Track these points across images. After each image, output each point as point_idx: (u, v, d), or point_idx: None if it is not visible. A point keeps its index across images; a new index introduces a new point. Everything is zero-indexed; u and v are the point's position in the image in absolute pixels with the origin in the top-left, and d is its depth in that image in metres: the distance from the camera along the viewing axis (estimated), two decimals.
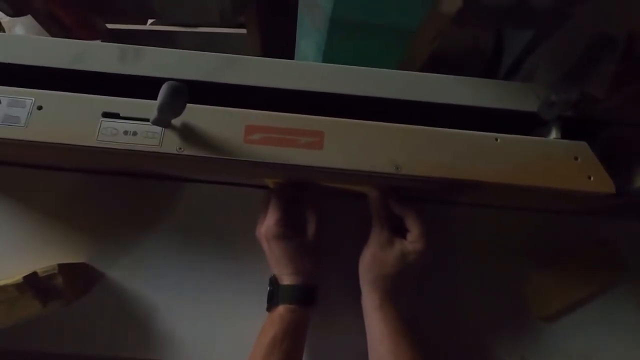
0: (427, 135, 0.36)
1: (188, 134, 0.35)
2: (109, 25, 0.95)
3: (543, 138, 0.37)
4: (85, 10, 0.81)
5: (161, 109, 0.30)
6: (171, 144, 0.34)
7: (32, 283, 0.35)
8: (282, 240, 0.40)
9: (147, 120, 0.35)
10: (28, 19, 0.76)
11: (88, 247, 0.43)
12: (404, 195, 0.45)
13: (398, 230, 0.41)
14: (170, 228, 0.44)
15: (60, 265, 0.37)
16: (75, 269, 0.41)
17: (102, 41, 0.40)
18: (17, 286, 0.35)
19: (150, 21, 1.04)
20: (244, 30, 0.86)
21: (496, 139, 0.36)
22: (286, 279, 0.40)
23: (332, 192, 0.44)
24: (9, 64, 0.36)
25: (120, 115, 0.35)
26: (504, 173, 0.35)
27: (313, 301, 0.41)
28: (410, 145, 0.36)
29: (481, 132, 0.36)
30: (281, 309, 0.39)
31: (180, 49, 0.98)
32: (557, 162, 0.36)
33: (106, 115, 0.35)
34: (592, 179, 0.35)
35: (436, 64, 0.54)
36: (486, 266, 0.46)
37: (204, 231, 0.45)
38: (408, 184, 0.38)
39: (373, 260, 0.40)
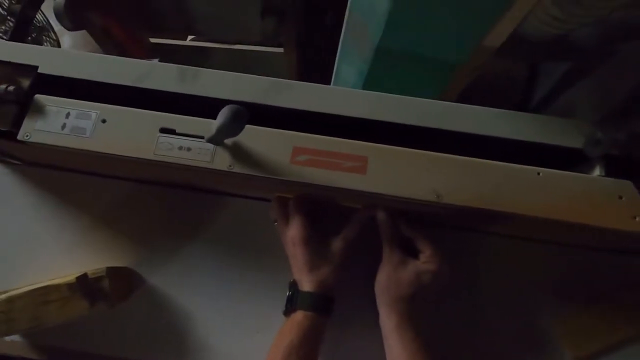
0: (468, 165, 0.37)
1: (238, 152, 0.36)
2: (152, 40, 1.01)
3: (586, 175, 0.37)
4: (136, 27, 0.86)
5: (220, 129, 0.32)
6: (222, 161, 0.36)
7: (83, 284, 0.37)
8: (308, 245, 0.41)
9: (202, 137, 0.37)
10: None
11: (132, 253, 0.45)
12: (430, 220, 0.45)
13: (410, 252, 0.42)
14: (210, 240, 0.46)
15: (108, 269, 0.39)
16: (120, 272, 0.43)
17: (160, 61, 0.43)
18: (70, 286, 0.37)
19: (190, 37, 1.09)
20: (281, 49, 0.89)
21: (538, 173, 0.37)
22: (306, 286, 0.40)
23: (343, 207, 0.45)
24: (78, 79, 0.39)
25: (177, 131, 0.37)
26: (545, 207, 0.36)
27: (330, 311, 0.41)
28: (452, 174, 0.36)
29: (523, 166, 0.37)
30: (299, 315, 0.39)
31: (214, 65, 1.02)
32: (600, 200, 0.36)
33: (163, 130, 0.37)
34: (637, 219, 0.35)
35: (469, 92, 0.55)
36: (511, 298, 0.45)
37: (243, 244, 0.46)
38: (445, 211, 0.38)
39: (388, 282, 0.40)
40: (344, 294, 0.43)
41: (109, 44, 0.83)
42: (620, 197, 0.36)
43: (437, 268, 0.40)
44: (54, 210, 0.46)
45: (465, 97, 0.54)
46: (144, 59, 0.90)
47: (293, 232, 0.41)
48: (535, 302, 0.45)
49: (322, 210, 0.45)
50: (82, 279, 0.37)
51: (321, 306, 0.40)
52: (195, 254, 0.45)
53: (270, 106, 0.38)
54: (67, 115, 0.38)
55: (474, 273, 0.47)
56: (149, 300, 0.44)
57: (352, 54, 0.50)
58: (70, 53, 0.40)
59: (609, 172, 0.37)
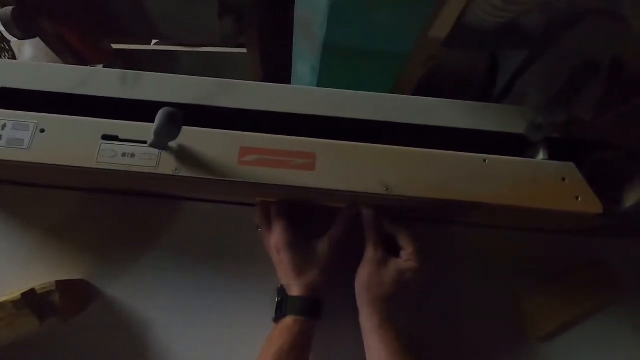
0: (416, 156, 0.37)
1: (184, 155, 0.36)
2: (115, 46, 0.98)
3: (531, 159, 0.38)
4: (92, 32, 0.84)
5: (157, 133, 0.31)
6: (168, 165, 0.35)
7: (30, 300, 0.36)
8: (293, 249, 0.40)
9: (145, 142, 0.36)
10: (36, 40, 0.79)
11: (86, 264, 0.43)
12: (401, 214, 0.45)
13: (392, 249, 0.42)
14: (167, 246, 0.45)
15: (58, 282, 0.38)
16: (73, 285, 0.41)
17: (105, 65, 0.42)
18: (15, 303, 0.35)
19: (154, 41, 1.07)
20: (244, 50, 0.88)
21: (484, 160, 0.37)
22: (295, 290, 0.40)
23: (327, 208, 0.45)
24: (14, 89, 0.38)
25: (119, 137, 0.36)
26: (492, 194, 0.36)
27: (320, 314, 0.41)
28: (401, 166, 0.36)
29: (470, 154, 0.37)
30: (289, 320, 0.39)
31: (183, 67, 1.00)
32: (545, 183, 0.37)
33: (106, 137, 0.36)
34: (579, 199, 0.36)
35: (430, 85, 0.56)
36: (482, 285, 0.46)
37: (201, 249, 0.45)
38: (401, 204, 0.39)
39: (369, 281, 0.40)
40: (334, 295, 0.43)
41: (65, 51, 0.81)
42: (564, 179, 0.37)
43: (419, 266, 0.40)
44: (1, 226, 0.44)
45: (425, 89, 0.55)
46: (104, 65, 0.88)
47: (277, 238, 0.41)
48: (495, 287, 0.46)
49: (307, 213, 0.44)
50: (29, 294, 0.36)
51: (311, 310, 0.40)
52: (151, 262, 0.44)
53: (216, 107, 0.38)
54: (3, 126, 0.36)
55: (445, 262, 0.47)
56: (106, 312, 0.42)
57: (304, 51, 0.50)
58: (4, 63, 0.39)
59: (553, 156, 0.38)
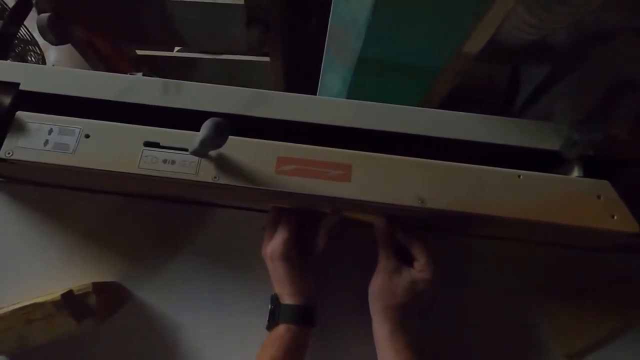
0: (451, 170, 0.37)
1: (223, 164, 0.37)
2: (139, 52, 1.01)
3: (565, 176, 0.38)
4: (119, 39, 0.86)
5: (203, 143, 0.32)
6: (207, 173, 0.36)
7: (69, 301, 0.37)
8: (287, 261, 0.41)
9: (186, 150, 0.37)
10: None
11: (120, 267, 0.44)
12: (419, 225, 0.46)
13: (404, 260, 0.42)
14: (198, 251, 0.46)
15: (94, 284, 0.39)
16: (107, 287, 0.42)
17: (144, 74, 0.43)
18: (55, 303, 0.36)
19: (177, 48, 1.09)
20: (267, 59, 0.90)
21: (519, 176, 0.37)
22: (287, 299, 0.40)
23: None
24: (61, 95, 0.39)
25: (161, 144, 0.37)
26: (526, 209, 0.36)
27: (313, 322, 0.41)
28: (435, 179, 0.37)
29: (504, 169, 0.37)
30: (281, 328, 0.39)
31: (203, 74, 1.02)
32: (579, 200, 0.37)
33: (147, 144, 0.37)
34: (615, 217, 0.36)
35: (452, 97, 0.56)
36: (502, 299, 0.46)
37: (231, 255, 0.46)
38: (432, 216, 0.39)
39: (382, 290, 0.40)
40: (347, 303, 0.43)
41: (94, 57, 0.83)
42: (599, 197, 0.37)
43: (431, 277, 0.40)
44: (40, 227, 0.45)
45: (449, 102, 0.55)
46: (130, 71, 0.90)
47: (273, 248, 0.41)
48: (521, 302, 0.46)
49: (314, 220, 0.45)
50: (68, 295, 0.37)
51: (303, 318, 0.40)
52: (183, 267, 0.45)
53: (254, 117, 0.39)
54: (50, 131, 0.37)
55: (465, 274, 0.47)
56: (137, 314, 0.43)
57: (335, 63, 0.51)
58: (51, 69, 0.40)
59: (587, 173, 0.38)
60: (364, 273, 0.42)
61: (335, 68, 0.51)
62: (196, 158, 0.37)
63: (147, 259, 0.45)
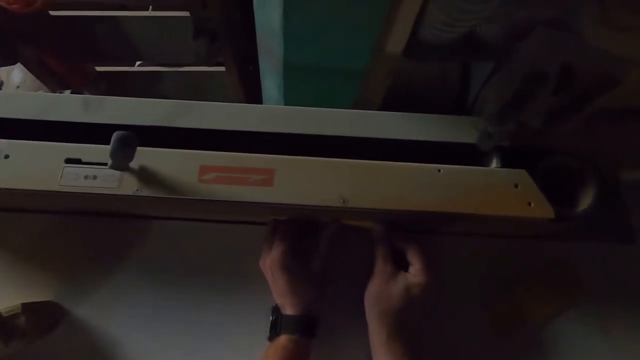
0: (372, 169, 0.38)
1: (145, 175, 0.37)
2: (99, 68, 1.00)
3: (484, 167, 0.39)
4: (74, 57, 0.86)
5: (113, 156, 0.32)
6: (129, 186, 0.36)
7: None
8: (287, 272, 0.40)
9: (106, 164, 0.37)
10: None
11: (55, 286, 0.44)
12: (420, 229, 0.46)
13: (401, 264, 0.42)
14: (136, 266, 0.46)
15: (24, 305, 0.38)
16: (41, 307, 0.42)
17: (73, 91, 0.43)
18: None
19: (138, 63, 1.09)
20: (223, 68, 0.90)
21: (439, 170, 0.38)
22: (289, 309, 0.40)
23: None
24: None
25: (82, 160, 0.37)
26: (447, 202, 0.37)
27: (315, 332, 0.41)
28: (357, 179, 0.37)
29: (424, 164, 0.38)
30: (283, 339, 0.39)
31: (167, 87, 1.02)
32: (498, 190, 0.38)
33: (69, 160, 0.37)
34: (532, 205, 0.37)
35: (401, 98, 0.57)
36: (454, 290, 0.47)
37: (170, 268, 0.46)
38: (365, 215, 0.40)
39: (378, 295, 0.40)
40: (343, 310, 0.43)
41: (47, 76, 0.83)
42: (516, 186, 0.38)
43: (426, 281, 0.40)
44: None
45: (397, 101, 0.56)
46: (87, 88, 0.90)
47: (272, 259, 0.41)
48: (462, 293, 0.46)
49: (313, 230, 0.45)
50: None
51: (306, 329, 0.40)
52: (121, 282, 0.45)
53: (175, 127, 0.39)
54: None
55: None
56: (74, 332, 0.43)
57: (269, 69, 0.51)
58: None
59: (505, 163, 0.39)
60: (362, 279, 0.43)
61: (269, 75, 0.51)
62: (118, 172, 0.37)
63: (83, 276, 0.45)
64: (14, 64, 0.75)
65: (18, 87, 1.41)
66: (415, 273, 0.40)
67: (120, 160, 0.34)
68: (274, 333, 0.41)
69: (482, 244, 0.48)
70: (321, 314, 0.42)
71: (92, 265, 0.45)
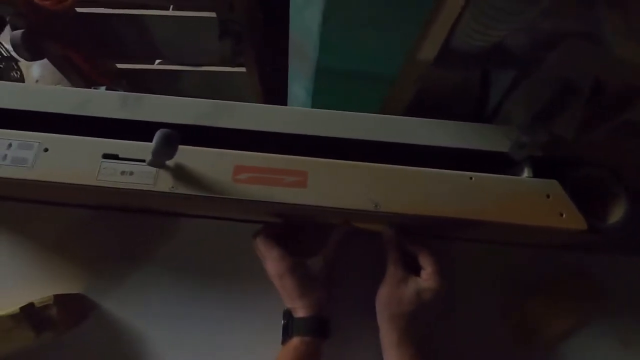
0: (404, 174, 0.38)
1: (181, 173, 0.37)
2: (119, 65, 1.02)
3: (515, 177, 0.39)
4: (97, 54, 0.87)
5: (155, 154, 0.33)
6: (164, 183, 0.37)
7: (28, 314, 0.37)
8: (293, 274, 0.40)
9: (144, 161, 0.37)
10: (44, 60, 0.82)
11: (84, 279, 0.44)
12: (430, 233, 0.46)
13: (413, 268, 0.42)
14: (163, 262, 0.46)
15: (56, 296, 0.39)
16: (71, 299, 0.42)
17: (107, 88, 0.44)
18: (13, 317, 0.36)
19: (157, 61, 1.11)
20: (244, 69, 0.91)
21: (470, 178, 0.38)
22: (300, 312, 0.40)
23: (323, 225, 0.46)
24: (19, 110, 0.40)
25: (119, 156, 0.38)
26: (478, 210, 0.37)
27: (327, 333, 0.41)
28: (389, 184, 0.38)
29: (456, 172, 0.38)
30: (295, 340, 0.39)
31: (185, 86, 1.03)
32: (529, 199, 0.38)
33: (106, 156, 0.38)
34: (564, 215, 0.37)
35: (423, 103, 0.58)
36: (467, 296, 0.47)
37: (197, 265, 0.46)
38: (393, 219, 0.40)
39: (389, 299, 0.41)
40: (354, 313, 0.44)
41: (71, 71, 0.84)
42: (548, 196, 0.38)
43: (438, 286, 0.40)
44: (2, 241, 0.46)
45: (418, 107, 0.56)
46: (109, 84, 0.91)
47: (275, 266, 0.41)
48: (484, 299, 0.46)
49: (304, 231, 0.45)
50: (27, 308, 0.37)
51: (318, 329, 0.40)
52: (148, 277, 0.45)
53: (214, 127, 0.40)
54: (9, 146, 0.38)
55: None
56: (102, 325, 0.43)
57: (298, 73, 0.52)
58: (8, 85, 0.41)
59: (537, 173, 0.39)
60: (373, 282, 0.43)
61: (298, 78, 0.52)
62: (154, 169, 0.37)
63: (112, 270, 0.45)
64: (41, 59, 0.76)
65: (37, 81, 1.43)
66: (426, 277, 0.41)
67: (162, 158, 0.34)
68: (286, 336, 0.41)
69: (501, 252, 0.48)
70: (331, 315, 0.42)
71: (120, 260, 0.46)
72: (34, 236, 0.46)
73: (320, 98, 0.51)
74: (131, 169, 0.37)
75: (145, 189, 0.37)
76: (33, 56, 0.72)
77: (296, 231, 0.46)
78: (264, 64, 0.84)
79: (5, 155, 0.38)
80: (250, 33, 0.74)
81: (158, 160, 0.35)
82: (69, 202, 0.47)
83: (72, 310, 0.42)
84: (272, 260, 0.41)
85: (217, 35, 0.73)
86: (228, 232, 0.47)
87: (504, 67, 0.63)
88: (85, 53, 0.82)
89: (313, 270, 0.42)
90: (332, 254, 0.43)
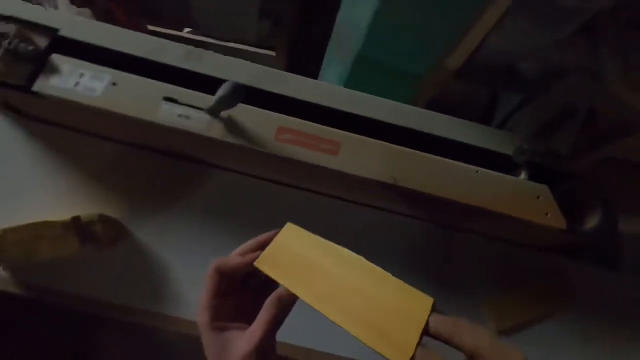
0: (422, 159, 0.44)
1: (231, 125, 0.42)
2: (150, 27, 1.05)
3: (514, 177, 0.46)
4: (136, 12, 0.90)
5: (220, 101, 0.38)
6: (216, 130, 0.42)
7: (76, 224, 0.41)
8: (211, 333, 0.29)
9: (200, 108, 0.42)
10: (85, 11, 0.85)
11: (121, 209, 0.49)
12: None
13: None
14: (193, 205, 0.51)
15: (101, 215, 0.43)
16: (111, 222, 0.47)
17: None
18: (64, 224, 0.40)
19: (187, 30, 1.14)
20: (273, 53, 0.96)
21: (477, 171, 0.45)
22: None
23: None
24: (96, 45, 0.44)
25: (179, 101, 0.43)
26: (478, 198, 0.43)
27: None
28: (408, 164, 0.44)
29: (465, 164, 0.45)
30: None
31: None
32: (523, 198, 0.44)
33: (167, 99, 0.43)
34: (549, 215, 0.44)
35: (437, 108, 0.64)
36: (454, 283, 0.53)
37: (224, 213, 0.51)
38: (403, 197, 0.46)
39: None
40: None
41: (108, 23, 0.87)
42: (539, 197, 0.44)
43: None
44: (51, 163, 0.50)
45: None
46: None
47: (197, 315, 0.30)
48: (469, 287, 0.53)
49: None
50: (76, 220, 0.41)
51: None
52: (178, 216, 0.50)
53: (264, 91, 0.45)
54: (81, 75, 0.42)
55: (432, 262, 0.54)
56: (132, 251, 0.48)
57: (335, 60, 0.57)
58: (90, 22, 0.45)
59: (532, 177, 0.46)
60: None
61: (334, 65, 0.58)
62: (208, 117, 0.42)
63: (147, 205, 0.50)
64: (88, 7, 0.79)
65: None
66: None
67: (225, 106, 0.39)
68: None
69: (493, 246, 0.55)
70: None
71: (155, 198, 0.50)
72: (79, 163, 0.50)
73: (352, 86, 0.56)
74: (188, 113, 0.42)
75: (199, 132, 0.42)
76: (82, 3, 0.75)
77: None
78: (295, 51, 0.89)
79: (78, 82, 0.42)
80: (289, 18, 0.79)
81: (220, 107, 0.40)
82: (115, 137, 0.51)
83: (111, 231, 0.46)
84: (200, 306, 0.30)
85: (257, 14, 0.77)
86: (255, 188, 0.52)
87: (513, 90, 0.71)
88: (127, 9, 0.85)
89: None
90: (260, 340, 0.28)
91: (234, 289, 0.32)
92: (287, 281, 0.30)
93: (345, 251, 0.31)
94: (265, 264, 0.31)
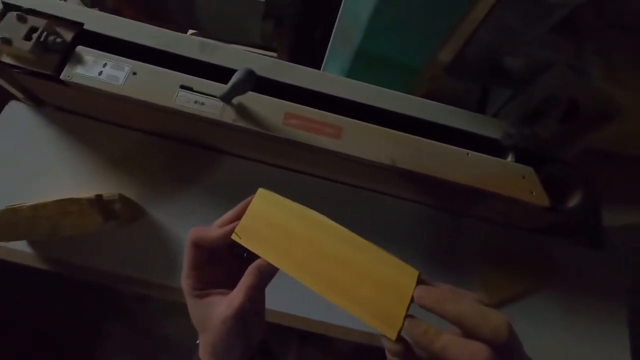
0: (417, 142, 0.48)
1: (242, 111, 0.46)
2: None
3: (501, 159, 0.50)
4: (142, 13, 0.94)
5: (233, 86, 0.42)
6: (229, 115, 0.46)
7: (99, 202, 0.44)
8: (193, 300, 0.30)
9: (214, 96, 0.46)
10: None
11: (139, 190, 0.52)
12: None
13: None
14: (206, 188, 0.55)
15: (121, 195, 0.47)
16: (129, 201, 0.50)
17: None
18: (89, 201, 0.44)
19: (190, 31, 1.18)
20: (273, 54, 1.00)
21: (467, 154, 0.49)
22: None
23: None
24: (117, 38, 0.48)
25: (194, 89, 0.47)
26: (469, 178, 0.47)
27: None
28: (405, 147, 0.48)
29: (458, 147, 0.49)
30: None
31: None
32: (509, 177, 0.48)
33: (183, 87, 0.46)
34: (533, 193, 0.48)
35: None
36: (451, 260, 0.57)
37: (232, 196, 0.54)
38: (404, 181, 0.49)
39: None
40: None
41: None
42: (524, 177, 0.49)
43: None
44: (73, 148, 0.53)
45: None
46: None
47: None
48: (465, 263, 0.57)
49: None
50: (99, 197, 0.45)
51: None
52: (192, 200, 0.54)
53: (271, 80, 0.49)
54: (104, 65, 0.46)
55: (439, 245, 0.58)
56: (149, 229, 0.51)
57: (337, 54, 0.62)
58: (111, 17, 0.49)
59: (518, 160, 0.50)
60: None
61: (336, 58, 0.62)
62: (221, 103, 0.46)
63: (163, 188, 0.53)
64: (96, 7, 0.83)
65: None
66: None
67: (238, 91, 0.43)
68: None
69: (489, 229, 0.59)
70: None
71: (169, 182, 0.54)
72: (98, 149, 0.54)
73: (352, 77, 0.60)
74: (203, 100, 0.46)
75: (212, 117, 0.46)
76: (93, 3, 0.79)
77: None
78: (296, 52, 0.93)
79: (101, 71, 0.46)
80: (292, 17, 0.83)
81: (232, 93, 0.44)
82: (133, 125, 0.55)
83: (129, 210, 0.50)
84: (183, 272, 0.31)
85: (260, 15, 0.81)
86: (264, 173, 0.56)
87: (502, 85, 0.75)
88: (135, 10, 0.89)
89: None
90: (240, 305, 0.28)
91: (221, 257, 0.32)
92: (265, 253, 0.29)
93: (323, 218, 0.30)
94: (243, 235, 0.30)
